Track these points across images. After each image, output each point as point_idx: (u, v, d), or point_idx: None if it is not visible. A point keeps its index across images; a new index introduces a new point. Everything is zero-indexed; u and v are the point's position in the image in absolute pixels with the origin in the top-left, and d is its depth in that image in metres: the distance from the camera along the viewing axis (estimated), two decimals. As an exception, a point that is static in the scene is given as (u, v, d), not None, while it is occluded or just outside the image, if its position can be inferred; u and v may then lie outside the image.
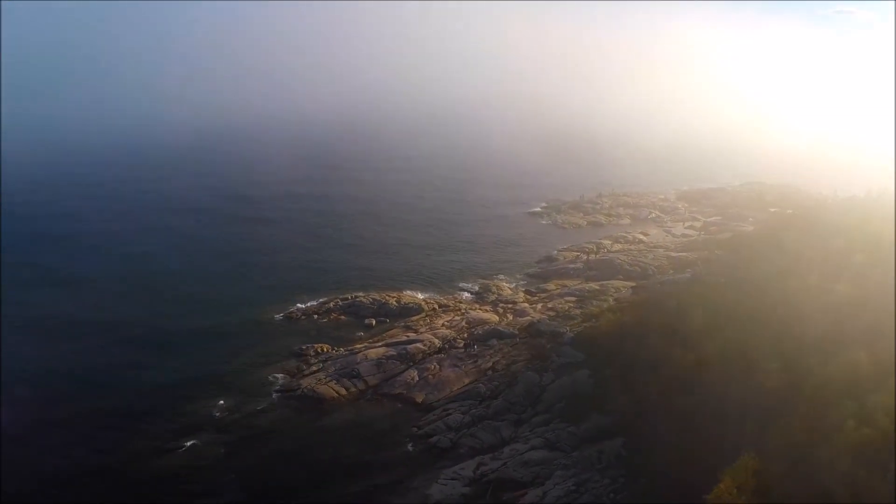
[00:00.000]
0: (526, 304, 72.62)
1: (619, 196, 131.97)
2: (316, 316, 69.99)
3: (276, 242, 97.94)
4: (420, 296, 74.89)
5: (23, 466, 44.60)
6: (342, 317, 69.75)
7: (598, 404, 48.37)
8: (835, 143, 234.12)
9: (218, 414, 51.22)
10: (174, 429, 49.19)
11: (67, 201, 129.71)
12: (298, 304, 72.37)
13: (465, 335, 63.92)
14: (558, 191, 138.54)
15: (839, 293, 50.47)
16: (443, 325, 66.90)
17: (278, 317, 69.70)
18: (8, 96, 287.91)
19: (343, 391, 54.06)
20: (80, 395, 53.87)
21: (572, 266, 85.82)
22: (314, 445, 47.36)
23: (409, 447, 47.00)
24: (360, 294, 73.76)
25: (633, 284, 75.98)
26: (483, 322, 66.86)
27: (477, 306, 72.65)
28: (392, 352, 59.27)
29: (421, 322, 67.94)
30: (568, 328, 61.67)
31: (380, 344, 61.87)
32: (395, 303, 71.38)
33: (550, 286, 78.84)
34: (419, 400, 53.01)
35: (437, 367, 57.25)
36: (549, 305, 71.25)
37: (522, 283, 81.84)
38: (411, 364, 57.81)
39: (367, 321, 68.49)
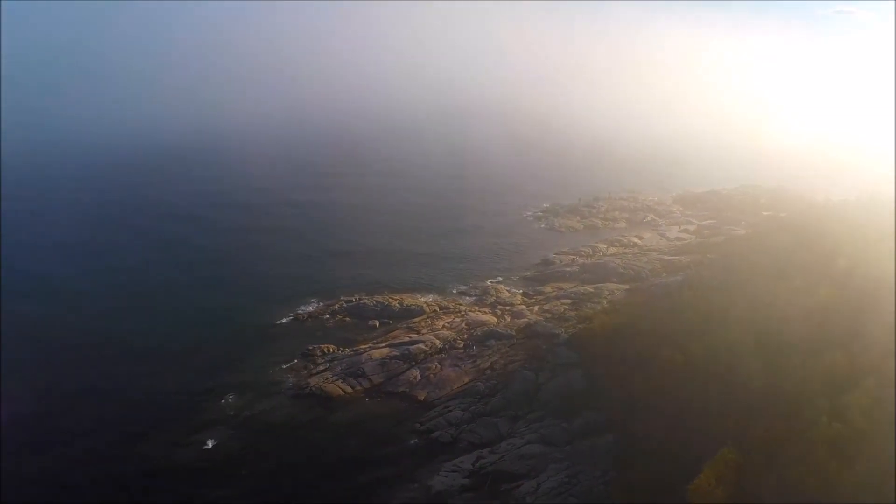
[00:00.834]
0: (523, 307, 75.30)
1: (615, 200, 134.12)
2: (321, 318, 72.64)
3: (279, 249, 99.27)
4: (422, 298, 77.45)
5: (33, 464, 47.12)
6: (347, 319, 72.42)
7: (590, 402, 51.12)
8: (834, 143, 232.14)
9: (231, 412, 53.94)
10: (189, 426, 51.80)
11: (69, 202, 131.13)
12: (304, 307, 74.98)
13: (465, 336, 66.59)
14: (556, 194, 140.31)
15: (821, 297, 53.23)
16: (443, 326, 69.61)
17: (285, 320, 72.37)
18: (8, 96, 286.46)
19: (349, 389, 56.89)
20: (92, 397, 56.34)
21: (568, 269, 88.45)
22: (323, 440, 50.06)
23: (412, 442, 49.71)
24: (364, 297, 76.41)
25: (627, 287, 78.57)
26: (482, 324, 69.54)
27: (476, 308, 75.27)
28: (395, 352, 62.06)
29: (423, 324, 70.60)
30: (563, 330, 64.37)
31: (383, 344, 64.67)
32: (397, 305, 74.11)
33: (547, 289, 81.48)
34: (421, 398, 55.78)
35: (439, 366, 60.04)
36: (546, 307, 73.94)
37: (520, 285, 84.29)
38: (414, 364, 60.58)
39: (370, 323, 71.22)
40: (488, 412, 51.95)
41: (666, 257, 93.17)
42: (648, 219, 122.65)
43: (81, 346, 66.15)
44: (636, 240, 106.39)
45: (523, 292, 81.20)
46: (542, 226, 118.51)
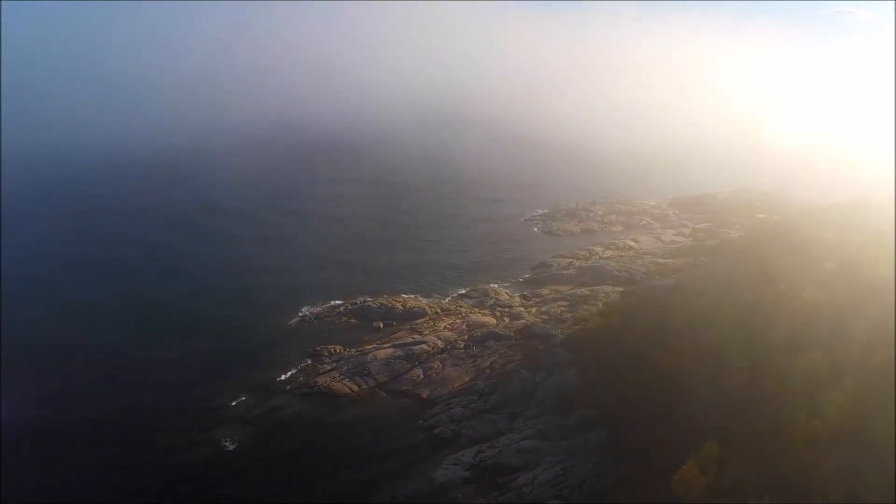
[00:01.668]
0: (521, 309, 78.04)
1: (612, 203, 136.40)
2: (327, 320, 75.40)
3: (281, 255, 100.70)
4: (424, 301, 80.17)
5: (35, 464, 49.03)
6: (352, 320, 75.12)
7: (584, 399, 53.11)
8: (834, 144, 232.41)
9: (241, 409, 56.30)
10: (200, 423, 54.05)
11: (70, 205, 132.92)
12: (310, 310, 77.66)
13: (466, 337, 69.23)
14: (554, 198, 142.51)
15: (806, 299, 55.77)
16: (445, 327, 72.37)
17: (292, 321, 75.11)
18: (8, 96, 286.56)
19: (355, 388, 59.64)
20: (100, 398, 58.26)
21: (565, 272, 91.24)
22: (330, 436, 52.50)
23: (416, 437, 52.15)
24: (369, 299, 79.09)
25: (622, 289, 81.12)
26: (482, 325, 72.28)
27: (476, 310, 78.00)
28: (399, 352, 64.84)
29: (425, 325, 73.35)
30: (559, 331, 67.12)
31: (387, 345, 67.43)
32: (400, 307, 76.88)
33: (544, 291, 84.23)
34: (424, 396, 58.45)
35: (440, 366, 62.81)
36: (543, 309, 76.70)
37: (518, 288, 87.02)
38: (416, 363, 63.31)
39: (375, 324, 73.90)
40: (488, 409, 54.53)
41: (660, 260, 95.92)
42: (644, 222, 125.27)
43: (88, 348, 68.00)
44: (632, 243, 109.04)
45: (522, 295, 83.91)
46: (540, 229, 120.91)
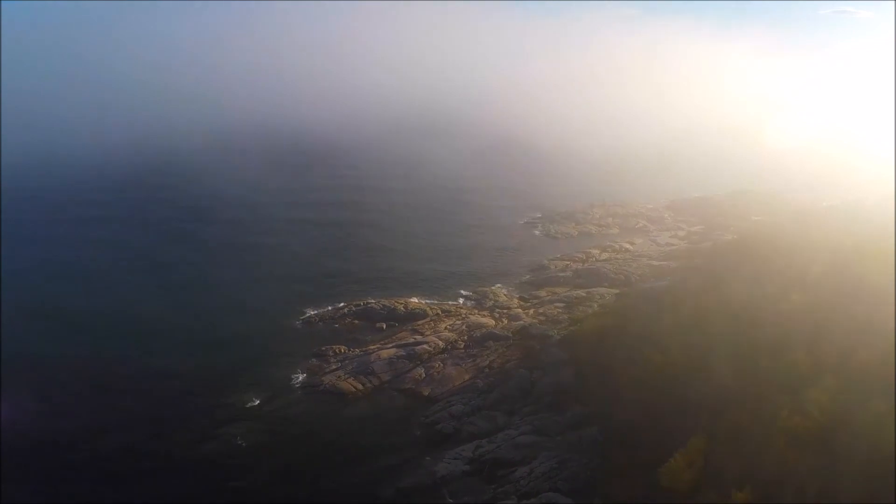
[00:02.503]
0: (520, 310, 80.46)
1: (609, 206, 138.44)
2: (331, 321, 77.81)
3: (283, 256, 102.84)
4: (425, 302, 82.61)
5: (36, 464, 50.94)
6: (356, 321, 77.50)
7: (579, 397, 55.22)
8: (833, 145, 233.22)
9: (250, 407, 58.52)
10: (210, 421, 56.02)
11: (71, 208, 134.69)
12: (315, 311, 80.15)
13: (466, 337, 71.66)
14: (551, 201, 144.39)
15: (792, 301, 58.10)
16: (445, 328, 74.80)
17: (298, 322, 77.60)
18: (8, 97, 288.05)
19: (360, 386, 62.10)
20: (109, 398, 60.10)
21: (562, 274, 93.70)
22: (336, 433, 54.77)
23: (418, 433, 54.42)
24: (371, 301, 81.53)
25: (617, 291, 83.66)
26: (481, 326, 74.70)
27: (476, 312, 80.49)
28: (402, 352, 67.32)
29: (426, 326, 75.84)
30: (556, 331, 69.51)
31: (390, 345, 69.92)
32: (402, 308, 79.36)
33: (542, 293, 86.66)
34: (426, 393, 60.80)
35: (441, 365, 65.26)
36: (540, 311, 79.17)
37: (517, 290, 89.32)
38: (418, 363, 65.74)
39: (378, 325, 76.40)
40: (487, 406, 56.79)
41: (655, 262, 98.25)
42: (641, 225, 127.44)
43: (91, 349, 69.83)
44: (628, 245, 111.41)
45: (520, 296, 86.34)
46: (538, 232, 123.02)
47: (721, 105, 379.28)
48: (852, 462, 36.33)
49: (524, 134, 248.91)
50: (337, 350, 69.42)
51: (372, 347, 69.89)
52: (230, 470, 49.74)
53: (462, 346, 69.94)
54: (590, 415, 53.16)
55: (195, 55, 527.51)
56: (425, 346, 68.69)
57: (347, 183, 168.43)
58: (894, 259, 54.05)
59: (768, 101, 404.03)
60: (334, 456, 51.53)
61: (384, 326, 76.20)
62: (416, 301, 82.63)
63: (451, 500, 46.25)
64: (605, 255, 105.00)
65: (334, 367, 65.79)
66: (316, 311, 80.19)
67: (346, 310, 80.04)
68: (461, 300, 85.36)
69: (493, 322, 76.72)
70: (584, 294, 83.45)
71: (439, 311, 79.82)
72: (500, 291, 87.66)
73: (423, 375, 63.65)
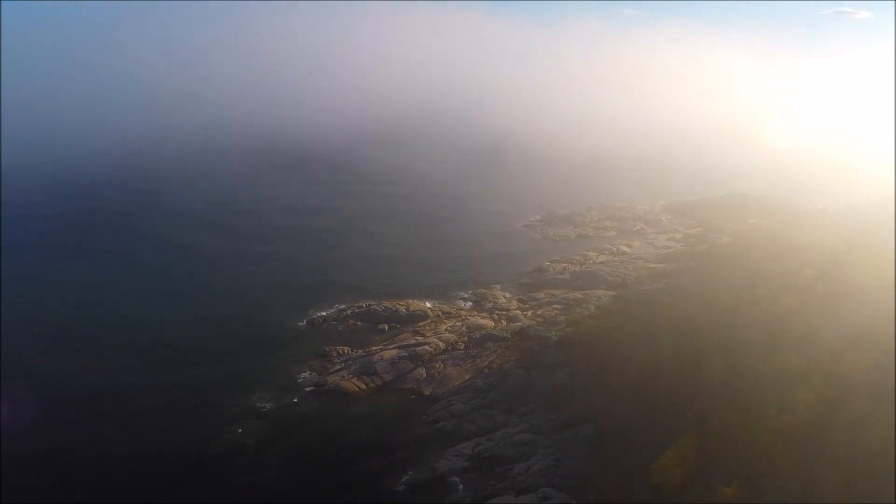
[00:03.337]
0: (518, 312, 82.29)
1: (607, 209, 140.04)
2: (335, 322, 79.68)
3: (285, 263, 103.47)
4: (426, 304, 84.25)
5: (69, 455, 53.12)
6: (359, 323, 79.34)
7: (574, 397, 57.00)
8: (832, 146, 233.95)
9: (258, 406, 60.43)
10: (220, 419, 58.06)
11: (71, 209, 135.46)
12: (319, 313, 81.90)
13: (465, 338, 73.55)
14: (550, 204, 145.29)
15: (783, 304, 59.79)
16: (446, 329, 76.70)
17: (302, 324, 79.43)
18: (8, 97, 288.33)
19: (363, 386, 64.16)
20: (121, 396, 62.16)
21: (560, 277, 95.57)
22: (341, 430, 56.81)
23: (420, 431, 56.40)
24: (374, 303, 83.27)
25: (613, 294, 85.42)
26: (480, 327, 76.58)
27: (475, 313, 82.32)
28: (403, 353, 69.29)
29: (427, 327, 77.75)
30: (553, 333, 71.31)
31: (393, 346, 71.86)
32: (404, 310, 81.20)
33: (540, 295, 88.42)
34: (427, 393, 62.88)
35: (442, 365, 67.22)
36: (539, 312, 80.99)
37: (516, 292, 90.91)
38: (420, 363, 67.71)
39: (380, 326, 78.30)
40: (486, 405, 58.73)
41: (651, 265, 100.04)
42: (638, 227, 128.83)
43: (100, 354, 71.17)
44: (625, 248, 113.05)
45: (518, 298, 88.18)
46: (537, 235, 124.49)
47: (720, 106, 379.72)
48: (836, 459, 38.25)
49: (523, 137, 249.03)
50: (341, 351, 71.38)
51: (374, 348, 71.85)
52: (240, 466, 51.68)
53: (462, 346, 71.89)
54: (585, 414, 54.91)
55: (195, 56, 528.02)
56: (426, 346, 70.63)
57: (343, 189, 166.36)
58: (885, 263, 56.27)
59: (767, 101, 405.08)
60: (339, 453, 53.50)
61: (386, 328, 78.13)
62: (418, 303, 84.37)
63: (452, 496, 48.15)
64: (602, 258, 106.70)
65: (338, 367, 67.75)
66: (319, 314, 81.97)
67: (348, 311, 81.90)
68: (461, 302, 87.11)
69: (493, 323, 78.58)
70: (581, 296, 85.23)
71: (440, 313, 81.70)
72: (500, 293, 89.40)
73: (425, 375, 65.60)
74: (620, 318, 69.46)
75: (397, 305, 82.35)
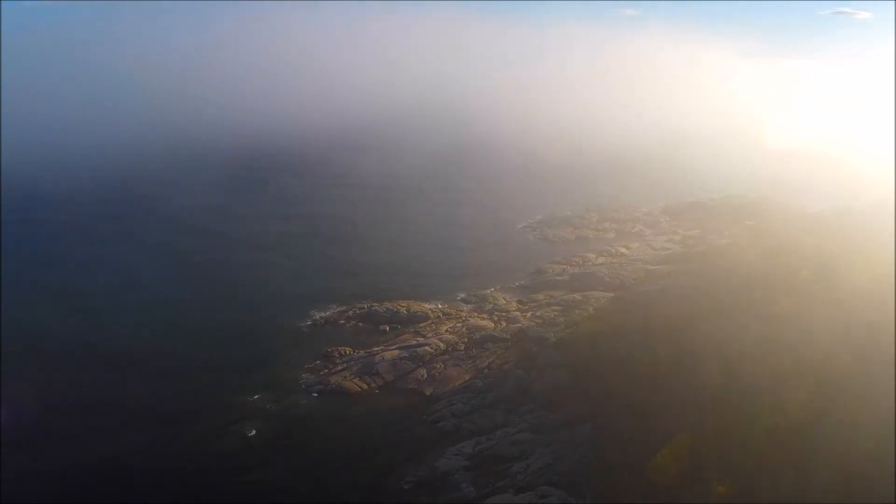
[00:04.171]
0: (517, 313, 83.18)
1: (606, 210, 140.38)
2: (337, 323, 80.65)
3: (285, 265, 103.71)
4: (427, 305, 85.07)
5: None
6: (360, 324, 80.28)
7: (573, 397, 57.75)
8: (832, 147, 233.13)
9: (261, 407, 61.34)
10: (224, 420, 58.80)
11: (72, 212, 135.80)
12: (321, 314, 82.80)
13: (466, 339, 74.49)
14: (549, 205, 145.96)
15: (780, 305, 60.80)
16: (446, 330, 77.69)
17: (304, 325, 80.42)
18: (8, 97, 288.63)
19: (365, 386, 65.16)
20: (123, 398, 62.93)
21: (559, 278, 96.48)
22: (343, 430, 57.67)
23: (421, 430, 57.30)
24: (375, 304, 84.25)
25: (612, 295, 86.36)
26: (480, 328, 77.60)
27: (475, 314, 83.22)
28: (404, 353, 70.29)
29: (428, 328, 78.72)
30: (552, 334, 72.28)
31: (394, 347, 72.79)
32: (405, 311, 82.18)
33: (539, 296, 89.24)
34: (428, 393, 63.84)
35: (443, 366, 68.22)
36: (538, 314, 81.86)
37: (515, 293, 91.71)
38: (421, 364, 68.68)
39: (381, 327, 79.19)
40: (486, 405, 59.60)
41: (650, 267, 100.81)
42: (637, 229, 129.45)
43: (104, 354, 72.11)
44: (624, 250, 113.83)
45: (518, 300, 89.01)
46: (536, 236, 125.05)
47: (719, 107, 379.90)
48: (828, 459, 39.26)
49: (522, 137, 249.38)
50: (342, 351, 72.41)
51: (376, 349, 72.82)
52: (245, 465, 52.67)
53: (462, 347, 72.89)
54: (584, 413, 55.71)
55: (194, 56, 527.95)
56: (427, 347, 71.66)
57: (338, 193, 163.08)
58: (882, 265, 57.22)
59: (767, 102, 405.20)
60: (342, 452, 54.39)
61: (387, 329, 79.13)
62: (418, 304, 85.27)
63: (452, 494, 49.13)
64: (601, 259, 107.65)
65: (340, 367, 68.79)
66: (321, 315, 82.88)
67: (349, 313, 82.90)
68: (461, 303, 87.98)
69: (493, 324, 79.55)
70: (580, 297, 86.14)
71: (440, 314, 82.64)
72: (499, 295, 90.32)
73: (425, 376, 66.64)
74: (619, 320, 70.40)
75: (398, 307, 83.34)
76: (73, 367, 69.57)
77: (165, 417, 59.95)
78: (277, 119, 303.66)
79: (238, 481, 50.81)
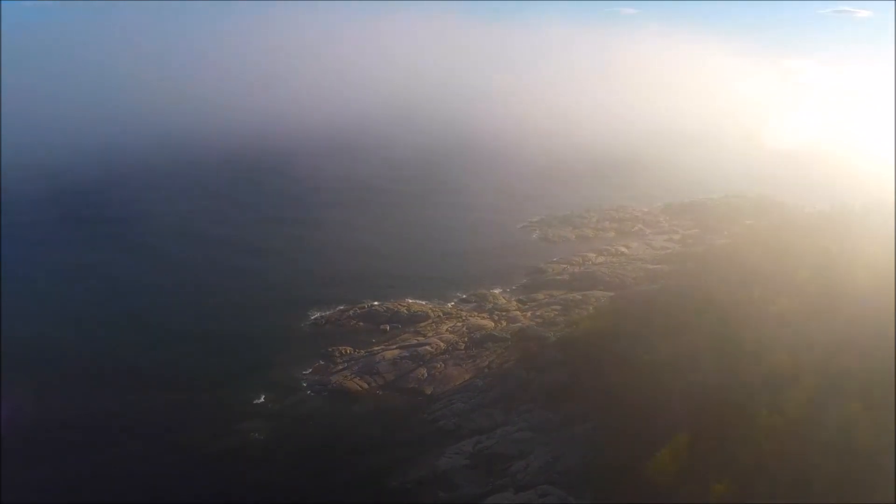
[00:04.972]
0: (518, 312, 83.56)
1: (606, 210, 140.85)
2: (338, 323, 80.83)
3: (284, 267, 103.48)
4: (427, 305, 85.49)
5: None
6: (360, 323, 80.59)
7: (573, 396, 58.04)
8: (832, 146, 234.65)
9: (264, 406, 61.82)
10: (226, 419, 59.25)
11: (71, 214, 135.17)
12: (322, 314, 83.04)
13: (466, 339, 74.89)
14: (549, 205, 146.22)
15: (779, 305, 61.05)
16: (447, 330, 78.02)
17: (305, 325, 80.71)
18: (8, 97, 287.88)
19: (366, 385, 65.50)
20: (125, 399, 62.98)
21: (559, 278, 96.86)
22: (344, 429, 58.13)
23: (421, 429, 57.65)
24: (375, 304, 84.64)
25: (612, 294, 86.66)
26: (481, 328, 77.93)
27: (476, 314, 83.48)
28: (405, 353, 70.65)
29: (428, 328, 79.08)
30: (552, 333, 72.51)
31: (394, 346, 73.16)
32: (405, 311, 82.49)
33: (539, 296, 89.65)
34: (428, 392, 64.20)
35: (443, 365, 68.53)
36: (538, 313, 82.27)
37: (515, 293, 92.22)
38: (421, 363, 69.02)
39: (382, 327, 79.57)
40: (486, 404, 59.93)
41: (649, 266, 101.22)
42: (637, 228, 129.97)
43: (98, 354, 72.49)
44: (623, 249, 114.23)
45: (518, 299, 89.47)
46: (537, 236, 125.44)
47: (718, 106, 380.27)
48: (826, 458, 39.53)
49: (522, 136, 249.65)
50: (343, 351, 72.72)
51: (376, 348, 73.17)
52: (249, 463, 53.08)
53: (462, 347, 73.24)
54: (583, 412, 56.01)
55: (194, 56, 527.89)
56: (427, 347, 71.97)
57: (340, 194, 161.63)
58: (880, 265, 57.46)
59: (767, 101, 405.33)
60: (342, 451, 54.80)
61: (388, 328, 79.43)
62: (419, 304, 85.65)
63: (453, 492, 49.40)
64: (601, 259, 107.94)
65: (341, 367, 69.11)
66: (322, 315, 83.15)
67: (350, 312, 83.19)
68: (461, 303, 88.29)
69: (493, 324, 79.87)
70: (579, 297, 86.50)
71: (440, 314, 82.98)
72: (499, 294, 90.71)
73: (426, 375, 66.94)
74: (618, 319, 70.46)
75: (398, 306, 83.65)
76: (74, 374, 69.25)
77: (165, 417, 60.19)
78: (276, 120, 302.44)
79: (240, 479, 51.28)
